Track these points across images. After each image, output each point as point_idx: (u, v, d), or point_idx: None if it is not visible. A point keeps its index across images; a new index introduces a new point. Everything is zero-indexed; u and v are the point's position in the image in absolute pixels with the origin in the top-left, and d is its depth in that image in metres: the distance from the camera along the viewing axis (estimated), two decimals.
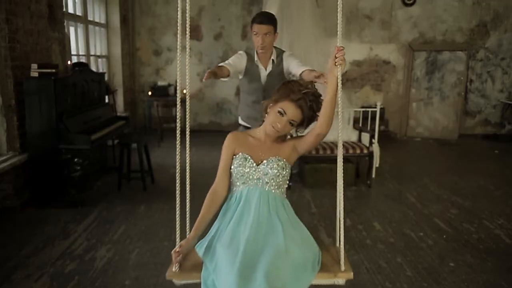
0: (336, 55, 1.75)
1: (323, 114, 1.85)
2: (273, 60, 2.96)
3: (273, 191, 1.89)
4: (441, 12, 7.55)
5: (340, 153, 1.87)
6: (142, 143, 4.67)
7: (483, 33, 7.63)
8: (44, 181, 4.06)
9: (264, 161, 1.89)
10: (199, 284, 1.72)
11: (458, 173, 5.52)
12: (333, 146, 4.78)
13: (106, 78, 5.83)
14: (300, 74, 2.67)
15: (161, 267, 2.97)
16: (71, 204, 4.06)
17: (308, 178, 4.84)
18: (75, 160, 4.04)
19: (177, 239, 1.87)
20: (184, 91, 7.65)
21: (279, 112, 1.86)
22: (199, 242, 1.88)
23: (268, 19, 2.81)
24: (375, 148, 5.02)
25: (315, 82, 2.48)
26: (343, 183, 1.89)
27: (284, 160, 1.91)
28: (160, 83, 7.63)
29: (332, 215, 3.99)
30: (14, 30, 3.86)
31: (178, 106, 1.92)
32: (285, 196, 1.97)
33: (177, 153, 1.87)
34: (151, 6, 7.62)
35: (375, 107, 5.19)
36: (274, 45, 2.97)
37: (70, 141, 3.98)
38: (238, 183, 1.91)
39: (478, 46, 7.68)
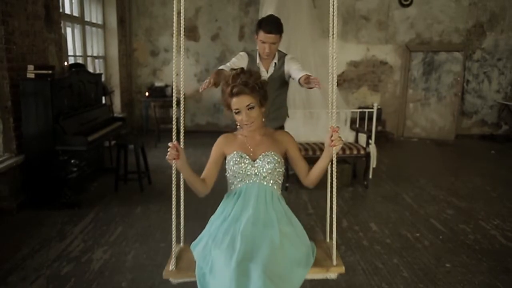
0: (332, 138, 1.81)
1: (313, 174, 1.98)
2: (275, 63, 2.98)
3: (270, 185, 1.91)
4: (437, 12, 7.58)
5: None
6: (139, 144, 4.66)
7: (479, 34, 7.66)
8: (41, 182, 4.05)
9: (260, 156, 1.92)
10: (195, 282, 1.71)
11: (454, 174, 5.54)
12: None
13: (103, 79, 5.81)
14: (299, 80, 2.64)
15: (158, 269, 2.97)
16: (68, 206, 4.05)
17: None
18: (72, 161, 4.03)
19: (173, 239, 1.86)
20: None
21: (235, 112, 1.89)
22: (194, 242, 1.90)
23: (276, 28, 2.77)
24: (372, 149, 5.03)
25: (312, 88, 2.48)
26: (338, 183, 1.89)
27: (279, 155, 1.94)
28: (157, 84, 7.64)
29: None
30: (10, 31, 3.85)
31: (174, 107, 1.82)
32: (280, 192, 1.99)
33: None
34: (148, 7, 7.61)
35: (372, 108, 5.20)
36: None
37: (67, 143, 3.97)
38: (235, 182, 1.93)
39: (475, 47, 7.71)
